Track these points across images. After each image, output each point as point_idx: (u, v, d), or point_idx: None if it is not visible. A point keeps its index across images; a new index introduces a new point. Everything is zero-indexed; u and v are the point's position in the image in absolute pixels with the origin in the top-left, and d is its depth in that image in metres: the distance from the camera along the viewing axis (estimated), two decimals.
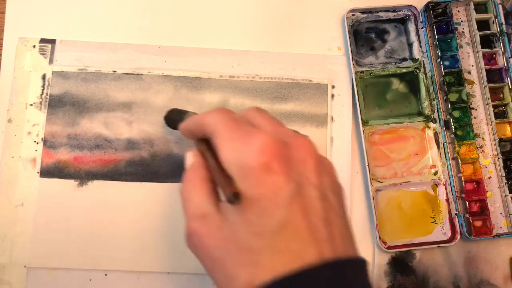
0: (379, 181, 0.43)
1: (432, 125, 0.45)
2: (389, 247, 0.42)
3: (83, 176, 0.42)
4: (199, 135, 0.28)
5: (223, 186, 0.24)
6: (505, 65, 0.45)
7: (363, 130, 0.44)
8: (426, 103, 0.45)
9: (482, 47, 0.45)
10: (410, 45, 0.46)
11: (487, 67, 0.45)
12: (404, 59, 0.46)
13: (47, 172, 0.42)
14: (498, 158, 0.44)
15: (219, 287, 0.24)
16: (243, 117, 0.27)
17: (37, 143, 0.42)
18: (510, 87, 0.45)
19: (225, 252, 0.23)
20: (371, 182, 0.43)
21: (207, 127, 0.26)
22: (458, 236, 0.42)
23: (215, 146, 0.25)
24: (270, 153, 0.23)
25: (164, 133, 0.43)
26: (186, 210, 0.26)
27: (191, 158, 0.28)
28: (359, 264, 0.23)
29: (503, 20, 0.45)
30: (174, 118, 0.39)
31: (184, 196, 0.26)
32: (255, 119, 0.27)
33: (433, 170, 0.44)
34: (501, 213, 0.44)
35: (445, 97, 0.45)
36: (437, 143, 0.45)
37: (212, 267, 0.24)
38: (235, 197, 0.23)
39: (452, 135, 0.44)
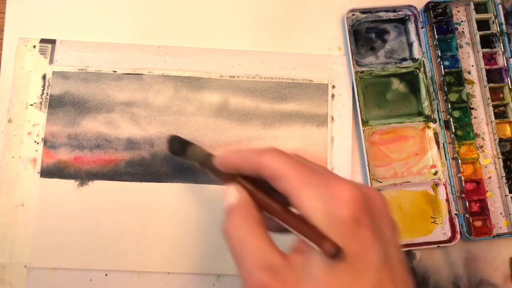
0: (379, 181, 0.44)
1: (432, 125, 0.45)
2: None
3: (84, 176, 0.42)
4: (245, 173, 0.25)
5: (314, 237, 0.21)
6: (505, 65, 0.45)
7: (363, 130, 0.44)
8: (426, 103, 0.45)
9: (482, 47, 0.45)
10: (410, 45, 0.46)
11: (487, 67, 0.45)
12: (404, 59, 0.46)
13: (47, 172, 0.42)
14: (498, 158, 0.44)
15: None
16: (306, 161, 0.25)
17: (38, 143, 0.42)
18: (510, 87, 0.45)
19: None
20: (371, 182, 0.43)
21: (267, 169, 0.24)
22: (458, 236, 0.42)
23: (287, 191, 0.23)
24: (359, 206, 0.22)
25: (164, 133, 0.43)
26: (244, 258, 0.23)
27: (235, 193, 0.25)
28: None
29: (503, 20, 0.45)
30: (176, 147, 0.37)
31: (236, 239, 0.23)
32: (317, 167, 0.25)
33: (433, 170, 0.44)
34: (501, 213, 0.44)
35: (445, 97, 0.45)
36: (437, 143, 0.45)
37: None
38: (338, 253, 0.20)
39: (452, 135, 0.44)
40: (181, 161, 0.42)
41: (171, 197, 0.42)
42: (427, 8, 0.45)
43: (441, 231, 0.43)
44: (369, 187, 0.25)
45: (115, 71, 0.44)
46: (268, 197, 0.25)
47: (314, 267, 0.21)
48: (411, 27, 0.46)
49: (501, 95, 0.46)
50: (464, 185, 0.43)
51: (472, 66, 0.46)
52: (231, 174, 0.26)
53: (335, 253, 0.20)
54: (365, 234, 0.21)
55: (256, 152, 0.24)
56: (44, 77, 0.43)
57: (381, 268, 0.21)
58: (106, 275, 0.41)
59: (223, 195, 0.26)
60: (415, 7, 0.46)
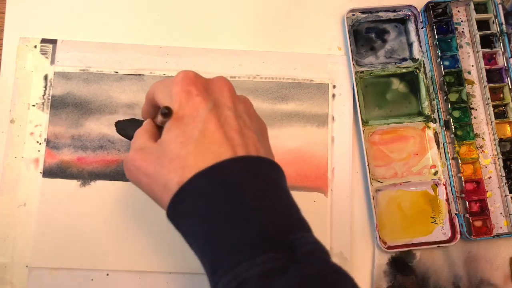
0: (379, 181, 0.44)
1: (432, 125, 0.45)
2: (389, 247, 0.42)
3: (86, 176, 0.42)
4: (152, 109, 0.33)
5: (160, 112, 0.29)
6: (505, 65, 0.45)
7: (363, 130, 0.44)
8: (426, 103, 0.45)
9: (482, 47, 0.45)
10: (410, 45, 0.47)
11: (487, 67, 0.45)
12: (404, 59, 0.46)
13: (49, 172, 0.42)
14: (498, 158, 0.44)
15: (156, 195, 0.28)
16: None
17: (40, 143, 0.42)
18: (510, 87, 0.45)
19: (160, 165, 0.27)
20: (371, 182, 0.43)
21: (150, 94, 0.31)
22: (458, 236, 0.43)
23: (157, 101, 0.30)
24: (189, 82, 0.28)
25: None
26: (131, 148, 0.31)
27: (145, 123, 0.34)
28: (271, 163, 0.28)
29: (503, 20, 0.45)
30: (125, 127, 0.40)
31: (133, 141, 0.32)
32: None
33: (433, 170, 0.44)
34: (501, 213, 0.44)
35: (445, 97, 0.45)
36: (437, 143, 0.45)
37: (149, 181, 0.28)
38: (167, 109, 0.28)
39: (452, 135, 0.44)
40: None
41: None
42: (427, 8, 0.45)
43: (441, 231, 0.43)
44: (218, 77, 0.31)
45: (116, 72, 0.44)
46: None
47: (162, 135, 0.29)
48: (411, 27, 0.46)
49: (501, 95, 0.46)
50: (464, 185, 0.43)
51: (472, 66, 0.46)
52: None
53: (164, 111, 0.28)
54: (195, 99, 0.28)
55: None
56: (45, 77, 0.43)
57: (207, 117, 0.27)
58: (108, 275, 0.41)
59: None
60: (415, 7, 0.46)
